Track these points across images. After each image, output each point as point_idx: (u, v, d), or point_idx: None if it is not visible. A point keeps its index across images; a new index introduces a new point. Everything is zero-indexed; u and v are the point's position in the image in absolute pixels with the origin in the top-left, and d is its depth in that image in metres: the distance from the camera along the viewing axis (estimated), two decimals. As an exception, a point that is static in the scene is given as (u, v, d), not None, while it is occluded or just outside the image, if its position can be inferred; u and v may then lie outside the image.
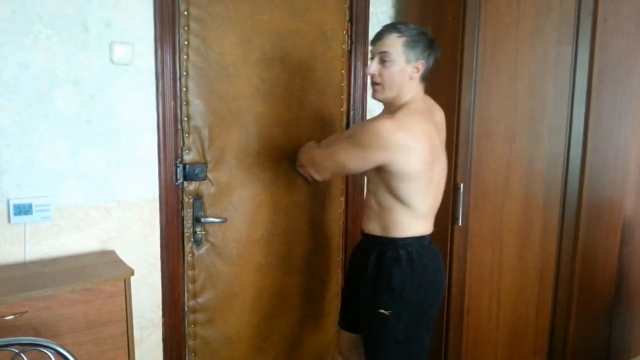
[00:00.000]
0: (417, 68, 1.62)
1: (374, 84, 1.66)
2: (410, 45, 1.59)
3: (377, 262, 1.69)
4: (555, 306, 2.21)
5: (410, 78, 1.63)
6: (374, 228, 1.73)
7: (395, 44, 1.59)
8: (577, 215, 2.11)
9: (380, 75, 1.63)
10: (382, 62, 1.61)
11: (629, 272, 2.29)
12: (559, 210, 2.14)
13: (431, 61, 1.65)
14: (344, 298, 2.03)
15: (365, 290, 1.72)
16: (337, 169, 1.78)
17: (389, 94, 1.64)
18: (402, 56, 1.60)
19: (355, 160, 1.64)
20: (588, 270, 2.17)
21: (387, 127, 1.55)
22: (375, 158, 1.58)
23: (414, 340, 1.69)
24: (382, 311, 1.65)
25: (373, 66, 1.63)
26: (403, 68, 1.61)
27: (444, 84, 2.11)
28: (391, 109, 1.67)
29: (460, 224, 2.07)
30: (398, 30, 1.59)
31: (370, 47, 1.68)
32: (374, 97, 1.69)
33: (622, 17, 2.03)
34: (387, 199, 1.67)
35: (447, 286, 2.12)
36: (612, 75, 2.05)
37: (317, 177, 1.82)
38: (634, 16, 2.06)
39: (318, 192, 2.34)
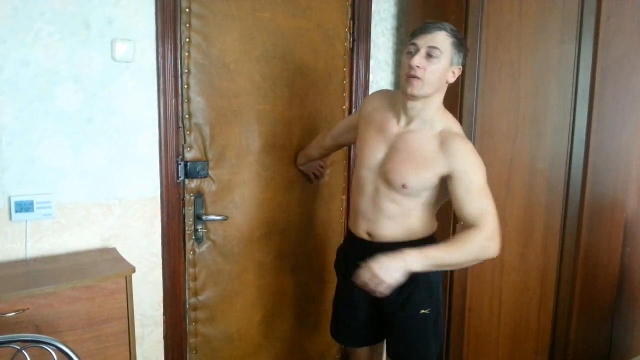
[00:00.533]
0: (454, 72, 1.58)
1: (412, 77, 1.53)
2: (457, 48, 1.55)
3: None
4: (557, 305, 2.20)
5: (447, 81, 1.58)
6: (395, 235, 1.65)
7: (445, 42, 1.53)
8: (579, 214, 2.11)
9: (425, 69, 1.53)
10: (429, 57, 1.52)
11: (631, 271, 2.29)
12: (561, 210, 2.13)
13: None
14: (353, 318, 1.83)
15: (399, 298, 1.63)
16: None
17: (426, 90, 1.55)
18: (448, 56, 1.54)
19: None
20: (590, 270, 2.16)
21: (472, 145, 1.59)
22: None
23: (442, 331, 1.78)
24: (424, 311, 1.67)
25: (418, 58, 1.52)
26: (446, 68, 1.55)
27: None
28: (420, 109, 1.59)
29: (462, 223, 2.06)
30: (446, 30, 1.54)
31: (411, 40, 1.56)
32: (411, 92, 1.55)
33: (625, 15, 2.02)
34: (422, 206, 1.64)
35: (449, 285, 2.12)
36: (615, 74, 2.04)
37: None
38: (637, 15, 2.05)
39: (319, 190, 2.33)
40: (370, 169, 1.68)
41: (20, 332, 1.35)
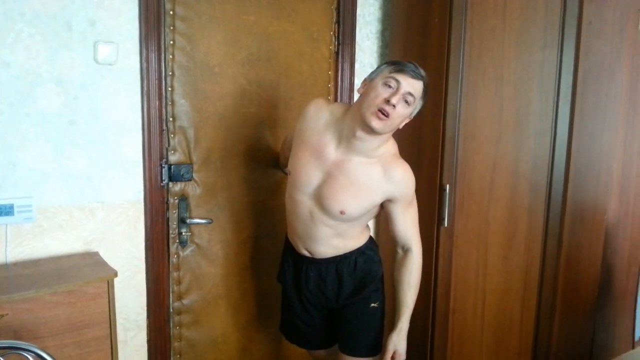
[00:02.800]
0: (409, 119, 1.57)
1: (383, 112, 1.46)
2: (422, 100, 1.55)
3: (352, 273, 1.74)
4: (540, 307, 2.22)
5: (400, 126, 1.57)
6: (334, 251, 1.72)
7: (419, 93, 1.52)
8: (561, 216, 2.13)
9: (396, 110, 1.48)
10: (405, 100, 1.49)
11: (613, 272, 2.32)
12: (544, 212, 2.16)
13: None
14: (305, 323, 1.88)
15: (349, 300, 1.76)
16: None
17: (387, 130, 1.51)
18: (415, 106, 1.54)
19: None
20: (572, 271, 2.18)
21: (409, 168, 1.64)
22: None
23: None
24: (374, 304, 1.76)
25: (397, 98, 1.46)
26: (406, 116, 1.54)
27: (431, 85, 2.11)
28: (368, 143, 1.55)
29: (446, 225, 2.07)
30: (424, 82, 1.52)
31: (394, 74, 1.48)
32: (375, 127, 1.47)
33: (606, 20, 2.05)
34: (357, 225, 1.72)
35: (432, 287, 2.13)
36: (595, 78, 2.07)
37: None
38: (618, 20, 2.08)
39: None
40: (305, 193, 1.64)
41: (-2, 338, 1.33)
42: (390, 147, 1.63)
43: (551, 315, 2.19)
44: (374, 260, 1.78)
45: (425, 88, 1.54)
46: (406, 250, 1.70)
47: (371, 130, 1.49)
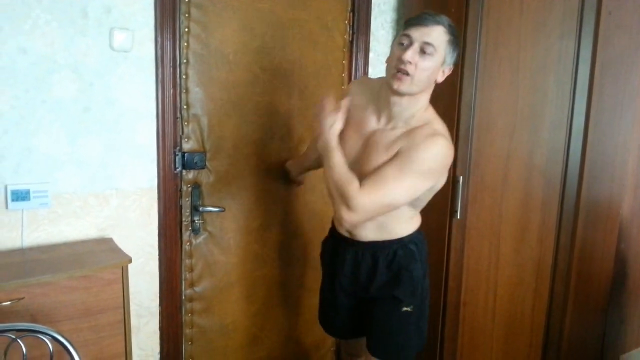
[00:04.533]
0: (444, 72, 1.49)
1: (401, 71, 1.42)
2: (452, 46, 1.46)
3: (389, 264, 1.61)
4: (552, 300, 2.21)
5: (436, 81, 1.49)
6: (374, 235, 1.60)
7: (440, 38, 1.42)
8: (575, 210, 2.11)
9: (416, 65, 1.42)
10: (422, 52, 1.42)
11: (626, 267, 2.30)
12: (558, 205, 2.14)
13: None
14: (335, 310, 1.82)
15: (380, 294, 1.63)
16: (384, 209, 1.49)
17: (414, 89, 1.45)
18: (442, 54, 1.44)
19: (412, 193, 1.47)
20: (585, 265, 2.17)
21: (449, 149, 1.46)
22: (434, 184, 1.51)
23: (425, 328, 1.71)
24: (407, 309, 1.62)
25: (411, 53, 1.40)
26: (438, 67, 1.45)
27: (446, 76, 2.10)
28: (404, 107, 1.50)
29: (458, 217, 2.07)
30: (444, 25, 1.43)
31: (405, 30, 1.44)
32: (397, 88, 1.44)
33: (626, 11, 2.02)
34: (405, 207, 1.57)
35: (444, 279, 2.13)
36: (614, 71, 2.04)
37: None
38: (638, 11, 2.04)
39: (317, 183, 2.33)
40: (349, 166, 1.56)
41: (15, 322, 1.35)
42: (434, 122, 1.51)
43: (563, 309, 2.18)
44: (415, 258, 1.62)
45: (450, 32, 1.44)
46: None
47: (397, 93, 1.46)
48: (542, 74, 2.04)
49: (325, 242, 1.85)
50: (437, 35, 1.42)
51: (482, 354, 2.23)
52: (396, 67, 1.44)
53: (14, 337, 1.18)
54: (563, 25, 2.01)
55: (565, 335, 2.21)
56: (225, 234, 2.15)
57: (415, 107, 1.51)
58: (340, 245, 1.70)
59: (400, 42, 1.45)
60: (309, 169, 2.10)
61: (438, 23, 1.43)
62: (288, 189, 2.26)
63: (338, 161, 1.47)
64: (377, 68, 2.40)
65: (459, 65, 1.99)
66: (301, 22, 2.18)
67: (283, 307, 2.36)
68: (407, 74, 1.42)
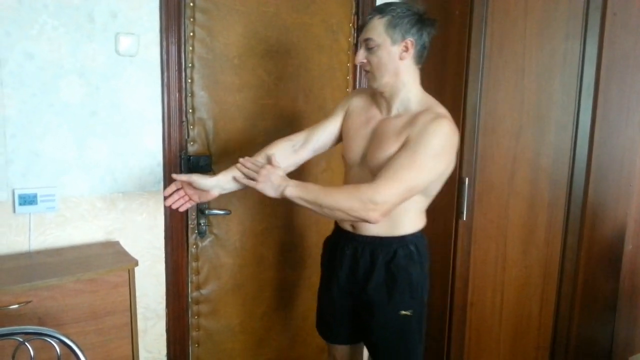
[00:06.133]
0: (405, 47, 1.49)
1: (366, 72, 1.56)
2: (394, 24, 1.47)
3: (387, 263, 1.58)
4: (559, 301, 2.20)
5: (401, 59, 1.50)
6: (378, 229, 1.55)
7: (378, 27, 1.48)
8: (582, 210, 2.10)
9: (369, 62, 1.51)
10: (368, 49, 1.50)
11: (634, 268, 2.28)
12: (564, 206, 2.13)
13: (425, 38, 1.51)
14: (332, 312, 1.77)
15: (377, 295, 1.59)
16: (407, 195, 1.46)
17: (381, 80, 1.52)
18: (386, 38, 1.48)
19: (427, 175, 1.45)
20: (592, 266, 2.16)
21: (454, 130, 1.46)
22: (445, 166, 1.49)
23: (423, 332, 1.68)
24: (404, 312, 1.59)
25: (360, 55, 1.52)
26: (390, 50, 1.48)
27: (451, 78, 2.10)
28: (397, 97, 1.54)
29: (464, 219, 2.06)
30: (380, 12, 1.49)
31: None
32: (369, 85, 1.57)
33: (631, 12, 2.01)
34: (409, 203, 1.53)
35: (450, 280, 2.12)
36: (619, 71, 2.03)
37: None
38: (644, 11, 2.04)
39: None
40: (356, 162, 1.62)
41: (23, 325, 1.35)
42: (435, 106, 1.52)
43: (571, 310, 2.17)
44: (414, 260, 1.58)
45: (387, 14, 1.48)
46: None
47: (377, 88, 1.56)
48: (548, 75, 2.03)
49: (326, 240, 1.82)
50: (372, 26, 1.50)
51: (489, 355, 2.22)
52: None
53: (21, 340, 1.19)
54: (568, 27, 2.00)
55: (572, 337, 2.19)
56: (231, 236, 2.15)
57: (405, 90, 1.54)
58: (341, 240, 1.68)
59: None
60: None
61: (373, 15, 1.51)
62: (293, 191, 2.26)
63: (321, 186, 1.49)
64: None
65: (464, 68, 2.00)
66: (306, 26, 2.18)
67: (289, 309, 2.36)
68: (368, 71, 1.55)
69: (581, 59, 2.02)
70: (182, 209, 1.62)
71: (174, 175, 1.60)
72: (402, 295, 1.58)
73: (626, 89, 2.06)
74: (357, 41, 2.31)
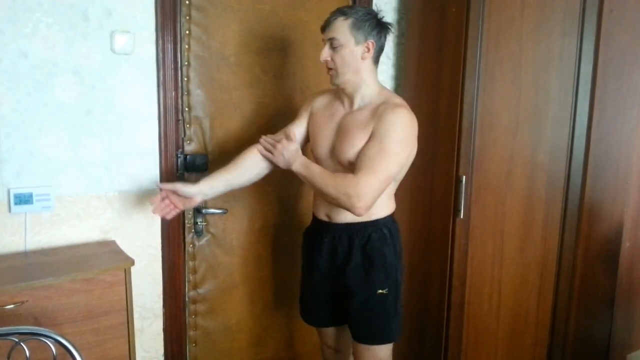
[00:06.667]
0: (367, 48, 1.62)
1: (328, 69, 1.66)
2: (357, 26, 1.59)
3: (363, 247, 1.70)
4: (557, 299, 2.20)
5: (362, 59, 1.62)
6: (350, 216, 1.61)
7: (342, 28, 1.59)
8: (579, 208, 2.10)
9: (333, 60, 1.62)
10: (333, 47, 1.61)
11: (631, 266, 2.28)
12: (562, 203, 2.13)
13: (383, 40, 1.66)
14: (314, 298, 1.88)
15: (356, 277, 1.71)
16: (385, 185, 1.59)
17: (343, 77, 1.64)
18: (350, 39, 1.59)
19: (398, 161, 1.60)
20: (590, 264, 2.16)
21: (412, 117, 1.60)
22: (410, 151, 1.63)
23: (401, 311, 1.80)
24: (381, 291, 1.71)
25: (324, 52, 1.63)
26: (353, 50, 1.61)
27: (447, 76, 2.09)
28: (358, 93, 1.67)
29: (461, 217, 2.06)
30: (344, 14, 1.60)
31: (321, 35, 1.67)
32: (331, 82, 1.68)
33: (628, 8, 2.01)
34: None
35: (448, 278, 2.12)
36: (616, 68, 2.03)
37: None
38: (640, 7, 2.03)
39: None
40: (325, 155, 1.73)
41: (19, 325, 1.35)
42: (393, 98, 1.66)
43: (568, 308, 2.17)
44: (387, 242, 1.71)
45: (351, 15, 1.59)
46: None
47: (338, 85, 1.67)
48: (544, 73, 2.03)
49: (306, 230, 1.92)
50: (336, 27, 1.60)
51: (486, 353, 2.22)
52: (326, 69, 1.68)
53: (17, 340, 1.18)
54: (565, 24, 2.00)
55: (570, 335, 2.19)
56: (228, 235, 2.15)
57: (364, 86, 1.66)
58: (319, 230, 1.80)
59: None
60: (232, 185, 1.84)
61: (336, 15, 1.61)
62: (290, 190, 2.26)
63: (321, 170, 1.63)
64: (378, 68, 2.39)
65: (461, 65, 1.99)
66: (302, 23, 2.18)
67: (287, 307, 2.36)
68: (331, 69, 1.65)
69: (578, 56, 2.02)
70: (168, 217, 1.72)
71: (159, 185, 1.71)
72: (378, 276, 1.71)
73: (623, 85, 2.06)
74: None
